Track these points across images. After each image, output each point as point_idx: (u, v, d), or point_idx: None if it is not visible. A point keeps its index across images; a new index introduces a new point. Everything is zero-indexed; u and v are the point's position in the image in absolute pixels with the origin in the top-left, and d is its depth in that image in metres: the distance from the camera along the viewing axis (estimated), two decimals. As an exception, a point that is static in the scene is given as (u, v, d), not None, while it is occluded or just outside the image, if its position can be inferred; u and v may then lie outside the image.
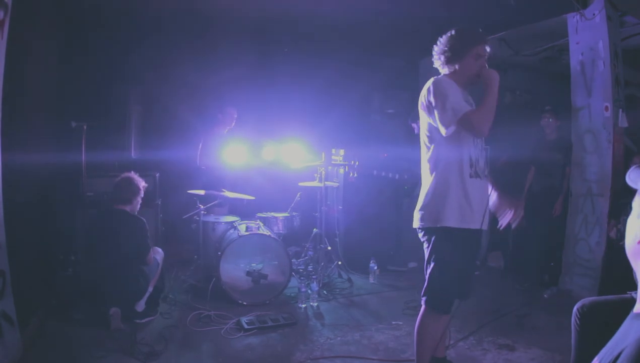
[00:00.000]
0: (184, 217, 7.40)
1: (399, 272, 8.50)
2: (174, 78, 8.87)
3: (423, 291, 4.05)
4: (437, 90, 3.88)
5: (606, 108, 6.80)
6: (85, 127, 6.76)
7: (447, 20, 7.93)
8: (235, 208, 8.25)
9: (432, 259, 3.99)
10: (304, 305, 6.62)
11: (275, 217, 7.93)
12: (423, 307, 4.07)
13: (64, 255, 6.83)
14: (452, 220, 3.86)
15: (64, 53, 7.42)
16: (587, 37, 7.00)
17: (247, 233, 6.87)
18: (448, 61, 4.06)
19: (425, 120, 4.07)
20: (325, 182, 7.78)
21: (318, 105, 9.61)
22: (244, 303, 6.57)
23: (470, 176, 3.91)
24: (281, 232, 7.83)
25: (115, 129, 8.05)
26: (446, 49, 4.05)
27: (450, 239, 3.89)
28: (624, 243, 4.49)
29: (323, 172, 7.72)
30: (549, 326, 6.03)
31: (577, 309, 3.75)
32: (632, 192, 5.92)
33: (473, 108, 3.91)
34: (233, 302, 6.55)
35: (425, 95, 3.97)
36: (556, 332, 5.70)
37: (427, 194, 4.01)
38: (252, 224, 7.27)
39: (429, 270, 4.00)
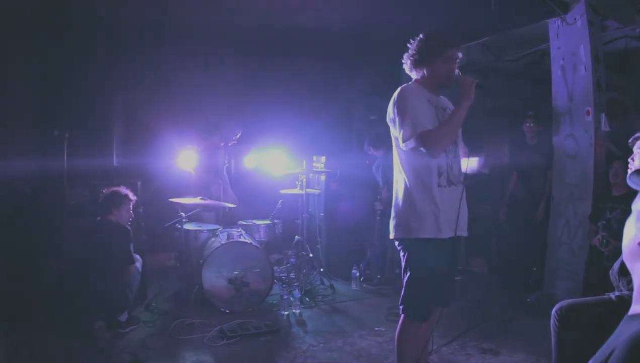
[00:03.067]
0: (166, 224, 7.37)
1: (382, 278, 8.45)
2: (156, 87, 8.85)
3: (400, 300, 4.01)
4: (399, 102, 3.87)
5: (587, 112, 6.83)
6: (67, 135, 6.73)
7: (428, 27, 7.99)
8: (219, 215, 8.22)
9: (407, 269, 3.96)
10: (286, 313, 6.61)
11: (257, 225, 7.93)
12: (402, 315, 4.03)
13: (47, 264, 6.78)
14: (422, 231, 3.83)
15: (46, 62, 7.39)
16: (569, 42, 7.03)
17: (228, 241, 6.87)
18: (415, 65, 4.03)
19: (393, 129, 4.04)
20: (307, 189, 7.77)
21: (300, 113, 9.60)
22: (227, 311, 6.55)
23: (439, 185, 3.86)
24: (263, 239, 7.83)
25: (98, 137, 8.03)
26: (414, 52, 4.01)
27: (424, 249, 3.85)
28: (606, 250, 4.47)
29: (304, 180, 7.71)
30: (533, 330, 6.02)
31: (556, 311, 3.76)
32: (611, 199, 5.90)
33: (436, 124, 3.86)
34: (216, 309, 6.53)
35: (390, 105, 3.96)
36: (540, 336, 5.68)
37: (397, 204, 4.00)
38: (234, 232, 7.26)
39: (405, 279, 3.98)
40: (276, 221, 8.05)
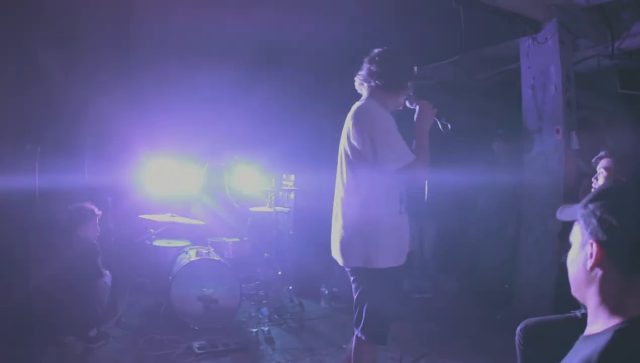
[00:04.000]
0: (136, 241, 7.35)
1: (351, 296, 8.40)
2: (128, 102, 8.79)
3: (361, 327, 3.92)
4: (373, 121, 3.76)
5: (557, 131, 6.88)
6: (39, 149, 6.69)
7: (399, 45, 8.02)
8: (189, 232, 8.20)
9: (365, 299, 3.90)
10: (255, 330, 6.58)
11: (226, 242, 7.93)
12: (360, 338, 3.95)
13: (17, 279, 6.71)
14: (383, 261, 3.77)
15: (18, 74, 7.34)
16: (539, 61, 7.11)
17: (197, 258, 6.87)
18: (369, 81, 3.95)
19: (350, 145, 3.87)
20: (276, 207, 7.77)
21: (271, 130, 9.59)
22: (196, 327, 6.51)
23: (400, 212, 3.85)
24: (232, 257, 7.82)
25: (68, 153, 7.96)
26: (371, 69, 3.94)
27: (383, 279, 3.80)
28: None
29: (273, 197, 7.72)
30: (502, 347, 5.98)
31: (520, 330, 3.79)
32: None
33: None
34: (185, 326, 6.49)
35: (355, 123, 3.81)
36: (510, 353, 5.68)
37: (348, 228, 3.88)
38: (203, 249, 7.25)
39: (364, 309, 3.89)
40: (245, 239, 8.04)
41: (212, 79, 8.62)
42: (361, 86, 4.05)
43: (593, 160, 4.34)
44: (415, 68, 4.03)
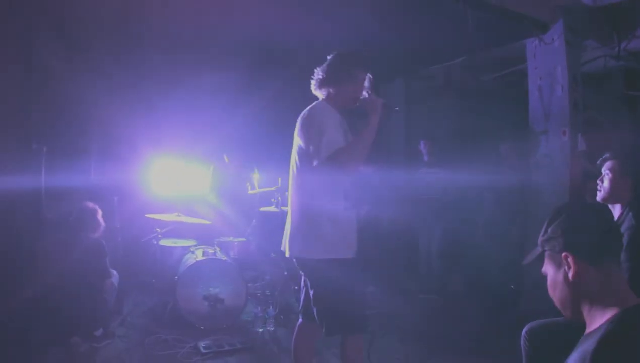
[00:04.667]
0: (142, 240, 7.36)
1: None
2: (135, 101, 8.80)
3: (317, 318, 4.02)
4: (311, 120, 3.86)
5: (564, 132, 6.86)
6: (45, 149, 6.70)
7: (404, 47, 8.02)
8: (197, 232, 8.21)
9: (316, 289, 3.98)
10: (261, 330, 6.57)
11: (232, 242, 7.94)
12: (302, 322, 4.25)
13: (23, 279, 6.73)
14: (323, 252, 3.83)
15: (25, 74, 7.35)
16: (546, 62, 7.08)
17: (203, 258, 6.88)
18: (322, 84, 4.05)
19: (297, 145, 4.00)
20: (282, 207, 7.76)
21: (276, 130, 9.57)
22: (202, 327, 6.52)
23: (345, 209, 3.88)
24: (238, 256, 7.82)
25: (75, 152, 7.98)
26: (322, 71, 4.05)
27: (325, 270, 3.85)
28: None
29: (280, 198, 7.71)
30: (508, 349, 5.98)
31: (525, 332, 3.80)
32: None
33: (348, 142, 3.87)
34: (190, 326, 6.50)
35: (300, 123, 3.95)
36: (515, 355, 5.68)
37: (294, 221, 4.02)
38: (209, 249, 7.26)
39: (313, 300, 3.99)
40: (252, 238, 8.03)
41: (219, 79, 8.62)
42: (316, 91, 4.16)
43: (598, 162, 4.33)
44: (360, 66, 4.06)
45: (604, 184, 4.21)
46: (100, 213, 6.25)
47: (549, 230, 2.19)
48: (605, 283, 2.03)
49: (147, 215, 7.37)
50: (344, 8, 6.77)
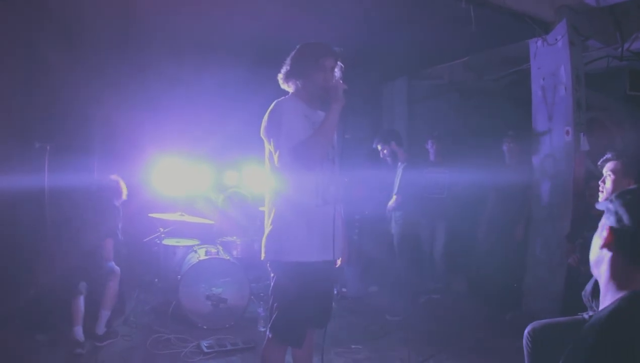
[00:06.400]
0: (145, 239, 7.36)
1: (359, 296, 8.42)
2: (138, 101, 8.80)
3: (269, 325, 3.82)
4: (273, 116, 3.75)
5: (567, 132, 6.85)
6: (48, 148, 6.71)
7: (410, 46, 8.02)
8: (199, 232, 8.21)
9: (274, 294, 3.82)
10: (263, 329, 6.53)
11: (235, 241, 7.95)
12: (268, 335, 3.86)
13: (26, 277, 6.74)
14: (293, 254, 3.68)
15: (28, 73, 7.36)
16: (549, 62, 7.08)
17: (206, 257, 6.89)
18: (288, 77, 3.92)
19: (266, 145, 3.89)
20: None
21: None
22: (204, 326, 6.54)
23: (317, 206, 3.74)
24: (241, 256, 7.84)
25: (78, 151, 7.97)
26: (288, 64, 3.93)
27: (294, 274, 3.70)
28: (584, 268, 4.56)
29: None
30: (510, 349, 5.99)
31: (528, 332, 3.79)
32: (589, 218, 5.94)
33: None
34: (193, 325, 6.52)
35: (264, 119, 3.81)
36: (517, 355, 5.69)
37: (268, 224, 3.85)
38: (212, 248, 7.28)
39: (274, 305, 3.82)
40: (254, 238, 8.03)
41: (221, 77, 8.62)
42: (284, 84, 4.01)
43: (599, 163, 4.33)
44: (325, 54, 3.88)
45: (607, 186, 4.20)
46: (122, 183, 6.61)
47: (615, 200, 2.17)
48: (628, 272, 2.06)
49: (150, 215, 7.37)
50: (348, 7, 6.78)
